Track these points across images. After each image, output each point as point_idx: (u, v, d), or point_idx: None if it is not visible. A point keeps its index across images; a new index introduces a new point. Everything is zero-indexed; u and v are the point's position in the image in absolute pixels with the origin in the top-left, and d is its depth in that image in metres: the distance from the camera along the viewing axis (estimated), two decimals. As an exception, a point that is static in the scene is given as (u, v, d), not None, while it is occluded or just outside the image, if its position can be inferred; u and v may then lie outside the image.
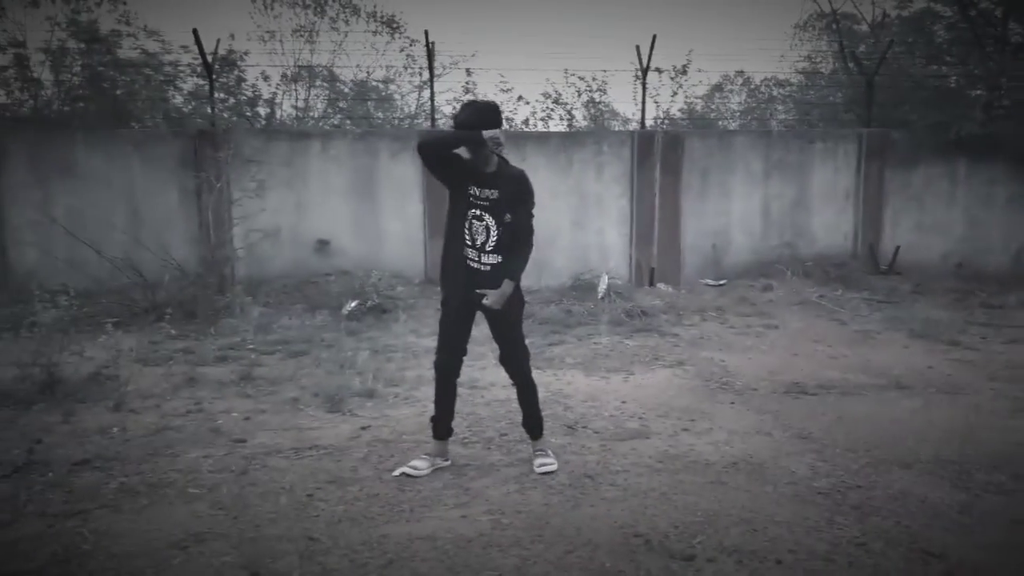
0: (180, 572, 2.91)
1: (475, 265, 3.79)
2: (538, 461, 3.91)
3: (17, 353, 5.40)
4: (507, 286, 3.75)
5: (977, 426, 4.63)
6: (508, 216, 3.73)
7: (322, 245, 9.39)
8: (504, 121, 3.80)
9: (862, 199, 10.45)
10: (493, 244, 3.75)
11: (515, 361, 3.95)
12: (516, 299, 3.84)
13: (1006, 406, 5.04)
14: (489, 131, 3.64)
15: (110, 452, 4.16)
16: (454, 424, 4.05)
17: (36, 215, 8.92)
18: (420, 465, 3.85)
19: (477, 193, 3.75)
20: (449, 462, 3.95)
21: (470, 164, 3.76)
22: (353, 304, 7.98)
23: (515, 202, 3.76)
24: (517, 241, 3.78)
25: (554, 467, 3.87)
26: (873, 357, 6.42)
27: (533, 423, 4.03)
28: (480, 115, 3.69)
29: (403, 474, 3.79)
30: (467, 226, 3.77)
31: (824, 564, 2.93)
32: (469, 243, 3.78)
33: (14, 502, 3.51)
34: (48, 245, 8.84)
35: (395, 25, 13.25)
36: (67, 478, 3.80)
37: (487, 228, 3.75)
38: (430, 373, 4.11)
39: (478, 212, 3.75)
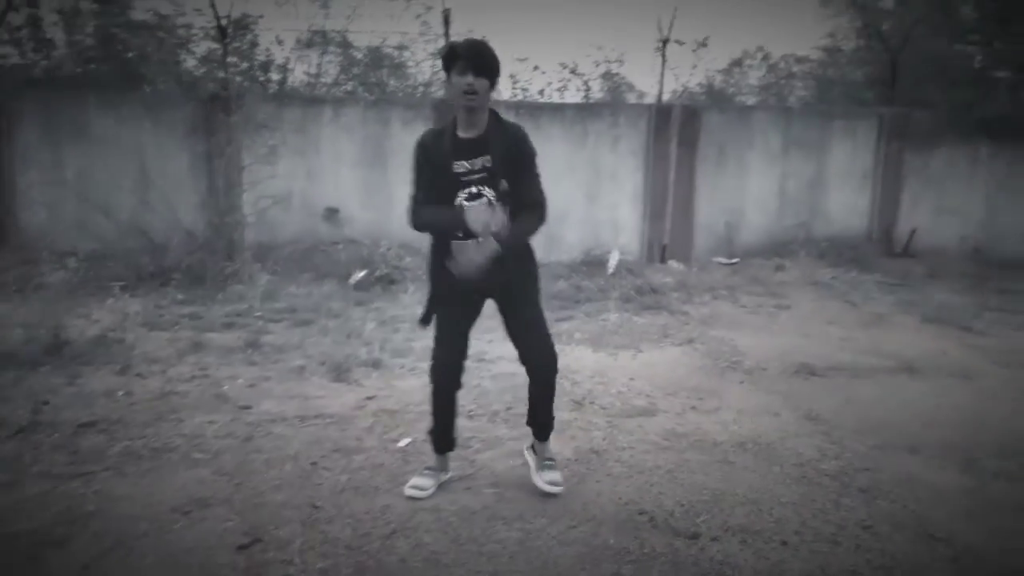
0: (182, 537, 2.91)
1: None
2: (549, 476, 3.29)
3: (24, 314, 5.43)
4: (502, 243, 2.96)
5: (987, 412, 4.57)
6: (504, 183, 3.03)
7: (331, 213, 9.33)
8: None
9: (880, 180, 10.30)
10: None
11: (545, 347, 3.21)
12: (531, 275, 3.24)
13: (1017, 393, 4.97)
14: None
15: (115, 415, 4.16)
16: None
17: (46, 176, 8.89)
18: (425, 483, 3.28)
19: (468, 167, 3.02)
20: (451, 474, 3.42)
21: (456, 130, 3.05)
22: (361, 274, 7.95)
23: (513, 166, 3.04)
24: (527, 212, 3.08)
25: (562, 489, 3.28)
26: (884, 340, 6.35)
27: (548, 420, 3.36)
28: (495, 60, 3.00)
29: (409, 497, 3.23)
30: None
31: (830, 546, 2.90)
32: (461, 233, 3.01)
33: (19, 462, 3.53)
34: (57, 207, 8.82)
35: (410, -10, 13.09)
36: (72, 440, 3.81)
37: (489, 205, 3.01)
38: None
39: (474, 190, 3.02)
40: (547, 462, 3.37)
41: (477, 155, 3.01)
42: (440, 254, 3.13)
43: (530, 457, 3.44)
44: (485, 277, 3.03)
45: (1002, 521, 3.15)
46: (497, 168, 3.01)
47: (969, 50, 11.82)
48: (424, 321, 3.25)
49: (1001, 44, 11.13)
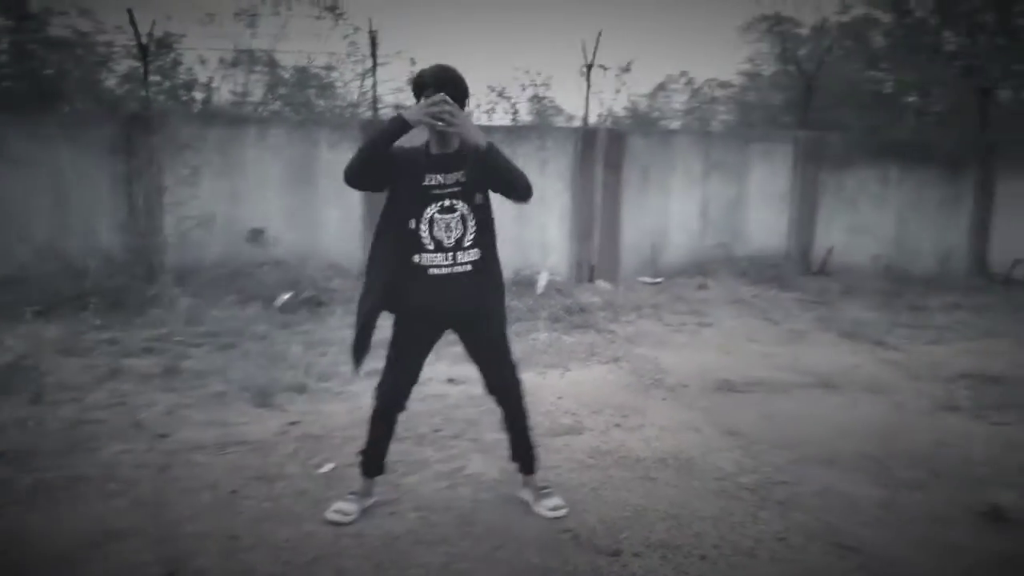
0: (95, 570, 2.82)
1: (444, 271, 3.06)
2: (549, 503, 3.34)
3: (-72, 342, 5.19)
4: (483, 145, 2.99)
5: (899, 424, 4.76)
6: (479, 197, 3.09)
7: (256, 234, 9.14)
8: None
9: (797, 201, 10.65)
10: (472, 237, 3.08)
11: (512, 380, 3.32)
12: (500, 298, 3.28)
13: (926, 405, 5.18)
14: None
15: (25, 446, 4.00)
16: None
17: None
18: (348, 508, 3.24)
19: (441, 180, 3.05)
20: (375, 499, 3.37)
21: (429, 148, 3.13)
22: (287, 296, 7.83)
23: (491, 169, 3.06)
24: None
25: (566, 511, 3.33)
26: (802, 356, 6.55)
27: (530, 452, 3.42)
28: (463, 83, 3.10)
29: (332, 522, 3.19)
30: (427, 224, 3.04)
31: (747, 559, 2.97)
32: (431, 246, 3.05)
33: (-82, 499, 3.36)
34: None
35: (338, 11, 13.04)
36: (-23, 473, 3.66)
37: (462, 219, 3.06)
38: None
39: (447, 203, 3.04)
40: (544, 491, 3.40)
41: (451, 170, 3.07)
42: (403, 274, 3.09)
43: (524, 494, 3.45)
44: (458, 302, 3.10)
45: (911, 529, 3.27)
46: (471, 183, 3.07)
47: (880, 76, 12.37)
48: (358, 363, 3.16)
49: (909, 71, 11.69)
